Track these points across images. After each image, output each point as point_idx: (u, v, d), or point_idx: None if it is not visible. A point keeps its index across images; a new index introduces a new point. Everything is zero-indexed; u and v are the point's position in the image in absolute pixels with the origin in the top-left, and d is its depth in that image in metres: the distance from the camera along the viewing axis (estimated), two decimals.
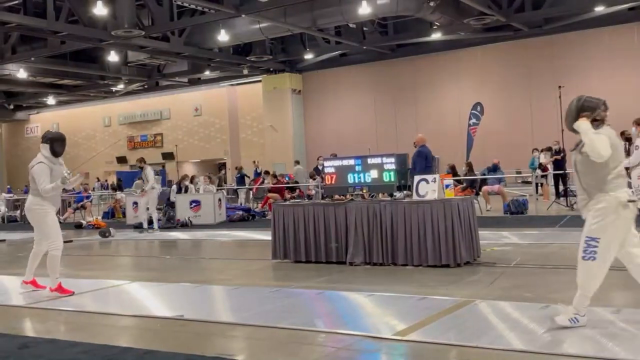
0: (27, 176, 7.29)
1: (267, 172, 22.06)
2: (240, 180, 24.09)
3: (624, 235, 4.61)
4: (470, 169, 16.76)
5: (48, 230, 7.01)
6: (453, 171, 16.10)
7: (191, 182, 18.91)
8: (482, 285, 6.74)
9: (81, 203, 20.26)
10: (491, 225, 12.25)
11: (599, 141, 4.45)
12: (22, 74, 29.47)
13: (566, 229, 11.54)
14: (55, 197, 7.18)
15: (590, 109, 4.66)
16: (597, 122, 4.66)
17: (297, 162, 23.67)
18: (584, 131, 4.53)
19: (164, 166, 33.90)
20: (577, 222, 11.76)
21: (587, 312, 4.73)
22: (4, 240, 14.92)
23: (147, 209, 15.17)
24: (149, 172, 15.25)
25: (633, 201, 4.56)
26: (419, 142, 12.80)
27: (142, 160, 15.65)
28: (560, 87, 17.15)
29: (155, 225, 15.19)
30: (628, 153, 12.50)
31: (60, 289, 6.98)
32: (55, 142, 7.00)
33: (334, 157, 10.31)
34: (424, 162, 12.29)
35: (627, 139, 12.06)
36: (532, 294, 6.08)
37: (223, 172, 33.91)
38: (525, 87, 25.59)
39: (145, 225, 15.18)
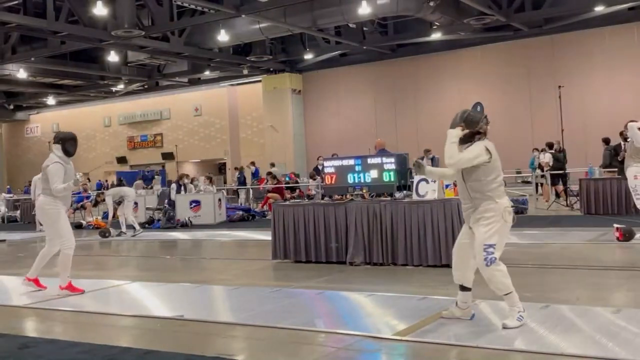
0: (28, 176, 7.30)
1: (269, 174, 21.99)
2: (241, 180, 24.06)
3: (506, 239, 4.94)
4: None
5: (61, 229, 7.02)
6: None
7: (191, 183, 18.91)
8: (482, 285, 6.73)
9: (81, 203, 20.25)
10: None
11: (450, 150, 4.84)
12: (22, 74, 29.48)
13: (566, 229, 11.55)
14: (67, 197, 7.20)
15: (473, 123, 4.97)
16: (479, 135, 4.99)
17: (273, 165, 22.89)
18: (448, 138, 4.88)
19: (164, 166, 33.92)
20: (577, 221, 11.69)
21: (530, 307, 5.02)
22: (4, 241, 14.92)
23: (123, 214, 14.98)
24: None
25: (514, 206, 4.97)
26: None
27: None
28: (560, 87, 17.17)
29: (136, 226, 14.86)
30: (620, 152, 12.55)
31: (70, 287, 7.00)
32: (67, 142, 7.06)
33: (336, 157, 10.29)
34: None
35: (625, 138, 12.07)
36: (531, 293, 6.07)
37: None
38: (525, 87, 25.59)
39: (123, 229, 14.89)
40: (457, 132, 4.93)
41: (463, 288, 5.10)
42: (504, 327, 4.75)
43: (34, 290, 7.24)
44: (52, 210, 6.98)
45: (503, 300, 4.95)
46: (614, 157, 15.77)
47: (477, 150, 4.86)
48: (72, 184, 6.89)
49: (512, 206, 4.96)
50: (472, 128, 4.95)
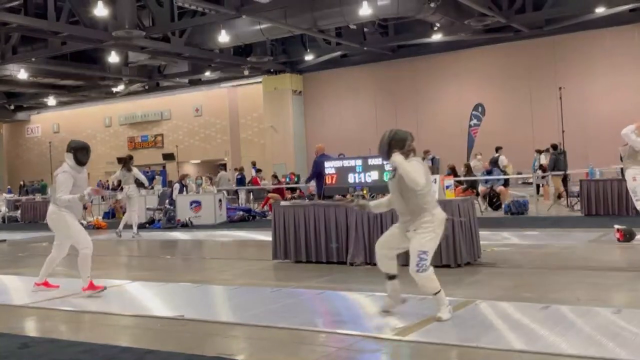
0: (29, 177, 7.28)
1: (259, 170, 22.00)
2: (241, 180, 24.06)
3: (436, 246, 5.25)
4: (468, 170, 16.74)
5: (76, 235, 6.90)
6: (453, 172, 16.10)
7: (195, 181, 18.95)
8: (483, 285, 6.75)
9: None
10: (492, 225, 12.25)
11: (414, 172, 5.02)
12: (22, 74, 29.48)
13: (567, 230, 11.56)
14: (77, 207, 7.03)
15: (401, 141, 5.21)
16: (408, 153, 5.22)
17: (222, 167, 21.68)
18: (400, 164, 5.09)
19: (164, 167, 33.93)
20: (578, 223, 11.71)
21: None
22: (4, 241, 14.93)
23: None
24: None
25: (449, 218, 5.45)
26: (318, 152, 12.75)
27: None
28: (560, 88, 17.16)
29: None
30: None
31: (92, 286, 6.89)
32: (79, 151, 6.95)
33: (342, 157, 10.27)
34: (316, 169, 11.92)
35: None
36: (532, 294, 6.08)
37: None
38: (526, 88, 25.59)
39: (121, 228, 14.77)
40: (401, 157, 5.15)
41: (390, 277, 5.46)
42: (439, 320, 5.05)
43: (47, 292, 7.14)
44: (61, 218, 6.87)
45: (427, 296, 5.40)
46: (562, 162, 16.17)
47: (419, 168, 5.13)
48: (77, 198, 6.74)
49: (448, 218, 5.40)
50: (401, 147, 5.19)
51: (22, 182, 35.19)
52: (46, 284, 7.33)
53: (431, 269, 5.12)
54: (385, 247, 5.45)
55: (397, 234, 5.37)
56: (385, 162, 5.43)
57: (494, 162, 17.32)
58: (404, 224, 5.28)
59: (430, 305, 5.65)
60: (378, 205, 5.77)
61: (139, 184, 15.11)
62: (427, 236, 5.10)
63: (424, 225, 5.12)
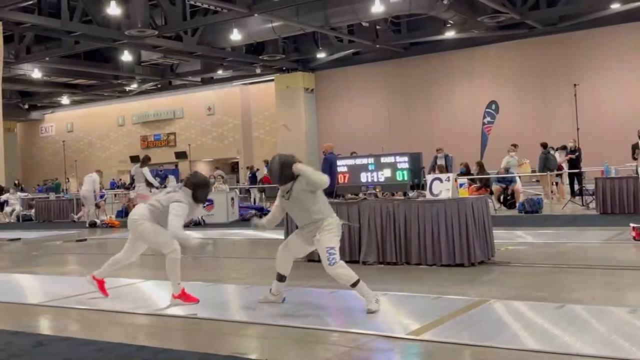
0: (43, 176, 7.17)
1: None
2: (253, 179, 24.10)
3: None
4: (481, 168, 16.63)
5: (163, 239, 6.25)
6: (467, 170, 16.00)
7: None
8: (497, 284, 6.71)
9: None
10: (506, 224, 12.17)
11: (319, 173, 5.77)
12: (36, 73, 29.71)
13: (581, 228, 11.47)
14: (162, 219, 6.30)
15: (290, 163, 5.69)
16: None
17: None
18: (306, 170, 5.65)
19: (177, 165, 34.06)
20: (593, 221, 11.62)
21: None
22: (19, 239, 15.03)
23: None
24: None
25: (345, 223, 6.17)
26: (326, 150, 12.80)
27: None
28: (575, 85, 17.06)
29: None
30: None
31: (184, 295, 6.23)
32: (200, 189, 6.27)
33: (355, 155, 10.28)
34: (329, 168, 12.07)
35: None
36: (546, 293, 6.03)
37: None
38: (540, 86, 25.44)
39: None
40: (304, 166, 5.74)
41: (280, 278, 5.96)
42: (369, 312, 5.36)
43: (93, 291, 6.72)
44: (145, 224, 6.31)
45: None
46: (552, 161, 16.10)
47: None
48: (191, 239, 6.21)
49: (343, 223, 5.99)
50: (289, 170, 5.67)
51: (43, 182, 35.45)
52: (101, 284, 6.71)
53: (342, 262, 5.57)
54: (290, 252, 6.00)
55: (301, 242, 5.90)
56: (282, 187, 5.84)
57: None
58: (308, 234, 5.75)
59: (443, 304, 5.63)
60: (271, 220, 6.17)
61: (148, 182, 15.22)
62: (332, 235, 5.59)
63: (328, 227, 5.62)
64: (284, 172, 5.68)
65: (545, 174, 16.33)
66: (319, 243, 5.61)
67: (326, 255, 5.52)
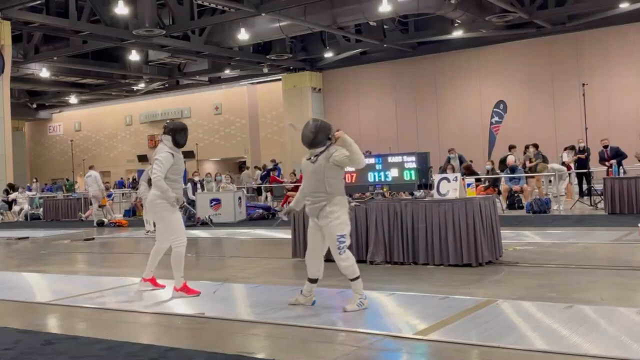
0: (51, 175, 7.19)
1: (274, 169, 22.11)
2: (265, 178, 24.07)
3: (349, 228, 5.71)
4: (470, 171, 16.48)
5: (173, 224, 6.55)
6: (468, 172, 15.85)
7: (214, 179, 19.05)
8: (505, 284, 6.68)
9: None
10: (513, 224, 12.13)
11: (360, 152, 5.53)
12: (44, 73, 29.84)
13: (590, 228, 11.42)
14: (177, 190, 6.61)
15: (327, 129, 5.59)
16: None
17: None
18: (351, 142, 5.47)
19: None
20: (601, 221, 11.56)
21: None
22: (27, 238, 15.09)
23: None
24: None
25: (357, 205, 5.92)
26: None
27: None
28: (584, 84, 16.96)
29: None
30: None
31: (185, 288, 6.52)
32: (178, 133, 6.62)
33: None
34: None
35: None
36: (555, 293, 6.00)
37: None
38: (549, 85, 25.34)
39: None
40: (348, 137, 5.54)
41: (312, 280, 5.81)
42: (344, 311, 5.45)
43: (152, 289, 6.90)
44: (163, 204, 6.49)
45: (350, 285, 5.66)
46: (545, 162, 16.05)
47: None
48: (170, 192, 6.41)
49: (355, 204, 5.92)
50: (327, 135, 5.58)
51: (52, 181, 35.55)
52: (153, 281, 6.95)
53: (349, 252, 5.57)
54: (315, 253, 5.79)
55: (318, 236, 5.71)
56: (311, 150, 5.66)
57: (502, 162, 17.11)
58: (316, 205, 5.59)
59: (451, 304, 5.62)
60: (297, 202, 6.07)
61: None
62: (338, 220, 5.52)
63: (333, 210, 5.51)
64: (318, 136, 5.58)
65: (533, 175, 16.39)
66: (328, 228, 5.55)
67: (336, 244, 5.52)
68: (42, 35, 25.50)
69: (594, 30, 23.99)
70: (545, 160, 16.87)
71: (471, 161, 18.96)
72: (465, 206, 7.70)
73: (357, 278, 5.55)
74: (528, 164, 16.81)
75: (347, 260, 5.53)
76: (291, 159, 30.20)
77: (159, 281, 7.00)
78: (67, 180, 34.57)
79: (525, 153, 17.40)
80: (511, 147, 17.60)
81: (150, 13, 21.09)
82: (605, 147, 15.53)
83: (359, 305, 5.51)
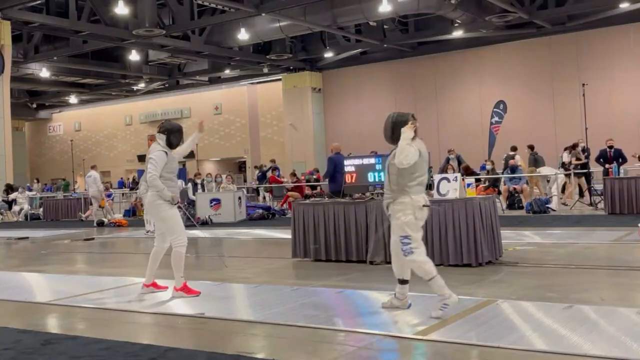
0: (51, 174, 7.18)
1: (274, 168, 22.15)
2: (261, 179, 24.09)
3: (420, 232, 5.40)
4: (469, 172, 16.47)
5: (173, 224, 6.52)
6: (467, 172, 15.82)
7: (215, 180, 19.05)
8: (504, 284, 6.68)
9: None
10: (513, 224, 12.13)
11: (409, 150, 5.21)
12: (44, 73, 29.83)
13: (590, 229, 11.42)
14: (173, 189, 6.62)
15: (403, 123, 5.39)
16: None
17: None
18: (405, 137, 5.27)
19: (184, 165, 34.11)
20: (601, 221, 11.55)
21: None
22: (27, 238, 15.09)
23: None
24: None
25: (427, 206, 5.40)
26: (333, 150, 12.91)
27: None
28: (584, 84, 16.96)
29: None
30: None
31: (185, 288, 6.52)
32: (173, 134, 6.62)
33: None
34: (332, 169, 12.32)
35: None
36: (555, 293, 6.00)
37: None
38: (549, 85, 25.34)
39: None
40: (411, 132, 5.35)
41: (402, 281, 5.52)
42: (432, 317, 5.12)
43: (154, 292, 6.82)
44: (162, 204, 6.50)
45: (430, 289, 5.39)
46: (541, 162, 16.02)
47: (414, 152, 5.30)
48: (166, 191, 6.45)
49: (424, 205, 5.39)
50: (399, 130, 5.39)
51: (51, 181, 35.55)
52: (155, 285, 6.89)
53: (417, 254, 5.29)
54: (398, 263, 5.58)
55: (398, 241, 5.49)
56: (393, 145, 5.45)
57: (506, 162, 17.13)
58: (385, 205, 5.49)
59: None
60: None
61: None
62: (402, 221, 5.31)
63: (398, 209, 5.33)
64: (394, 131, 5.43)
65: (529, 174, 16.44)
66: (393, 228, 5.47)
67: (400, 245, 5.36)
68: (42, 35, 25.50)
69: (594, 30, 23.98)
70: (538, 161, 16.85)
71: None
72: (465, 206, 7.70)
73: (432, 279, 5.25)
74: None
75: (413, 263, 5.34)
76: (291, 159, 30.22)
77: (160, 283, 6.98)
78: (64, 180, 34.57)
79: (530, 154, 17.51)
80: (514, 148, 17.59)
81: (150, 13, 21.09)
82: (610, 147, 15.52)
83: (443, 308, 5.16)
